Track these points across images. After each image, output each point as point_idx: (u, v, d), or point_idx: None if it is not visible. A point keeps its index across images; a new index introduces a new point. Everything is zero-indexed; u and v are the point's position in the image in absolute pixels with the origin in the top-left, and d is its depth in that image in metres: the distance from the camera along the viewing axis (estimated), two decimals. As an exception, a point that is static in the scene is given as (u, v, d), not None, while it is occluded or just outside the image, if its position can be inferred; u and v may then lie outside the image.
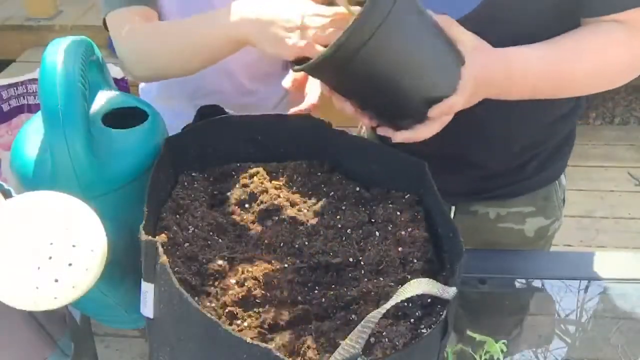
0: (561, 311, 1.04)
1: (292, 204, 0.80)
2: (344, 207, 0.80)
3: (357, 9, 0.73)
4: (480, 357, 0.75)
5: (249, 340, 0.56)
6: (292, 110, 0.96)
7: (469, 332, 0.76)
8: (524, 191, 1.07)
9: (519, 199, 1.07)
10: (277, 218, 0.78)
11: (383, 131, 0.80)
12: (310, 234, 0.76)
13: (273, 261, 0.72)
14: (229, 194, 0.81)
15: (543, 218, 1.09)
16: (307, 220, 0.78)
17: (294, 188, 0.83)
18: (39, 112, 0.75)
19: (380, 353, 0.60)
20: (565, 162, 1.10)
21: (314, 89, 1.01)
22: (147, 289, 0.66)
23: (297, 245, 0.74)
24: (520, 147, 1.02)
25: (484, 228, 1.10)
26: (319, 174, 0.86)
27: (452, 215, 1.10)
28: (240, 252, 0.73)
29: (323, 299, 0.68)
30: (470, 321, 1.02)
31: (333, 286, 0.70)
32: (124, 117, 0.83)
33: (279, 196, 0.80)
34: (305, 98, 1.01)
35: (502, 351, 0.76)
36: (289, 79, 1.02)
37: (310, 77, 1.02)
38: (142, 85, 1.25)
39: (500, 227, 1.09)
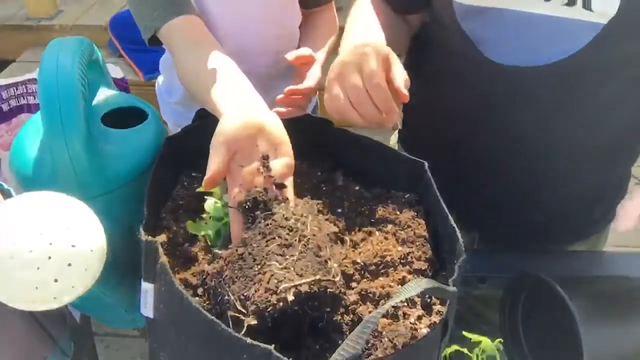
0: (561, 311, 1.04)
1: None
2: (344, 207, 0.80)
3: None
4: (477, 357, 0.75)
5: (249, 340, 0.56)
6: (288, 89, 0.89)
7: (464, 333, 0.76)
8: (590, 234, 1.07)
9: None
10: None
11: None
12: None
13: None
14: (228, 194, 0.81)
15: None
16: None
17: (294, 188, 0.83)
18: (39, 112, 0.75)
19: (380, 353, 0.60)
20: (623, 196, 1.05)
21: (315, 72, 0.95)
22: (147, 289, 0.66)
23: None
24: (584, 187, 0.98)
25: None
26: (319, 173, 0.86)
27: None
28: (240, 252, 0.72)
29: (323, 299, 0.68)
30: (470, 321, 1.02)
31: (333, 286, 0.69)
32: (124, 117, 0.84)
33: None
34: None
35: (498, 350, 0.76)
36: (294, 53, 0.96)
37: (317, 59, 0.97)
38: (159, 87, 1.27)
39: None
